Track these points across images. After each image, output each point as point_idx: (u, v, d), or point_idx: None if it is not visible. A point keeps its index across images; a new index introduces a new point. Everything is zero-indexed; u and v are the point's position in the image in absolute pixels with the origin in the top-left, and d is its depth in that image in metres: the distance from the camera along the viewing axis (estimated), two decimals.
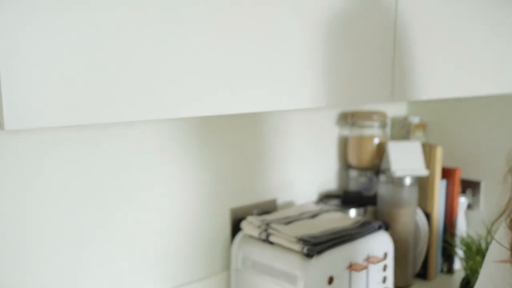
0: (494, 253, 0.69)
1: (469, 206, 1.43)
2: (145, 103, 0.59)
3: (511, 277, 0.64)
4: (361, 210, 1.28)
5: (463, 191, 1.43)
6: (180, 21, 0.61)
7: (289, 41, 0.72)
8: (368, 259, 1.05)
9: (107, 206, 0.94)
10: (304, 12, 0.73)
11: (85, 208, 0.91)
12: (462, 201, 1.40)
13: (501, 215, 0.69)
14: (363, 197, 1.32)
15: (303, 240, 1.00)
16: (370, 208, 1.31)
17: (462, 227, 1.40)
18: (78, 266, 0.91)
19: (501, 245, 0.67)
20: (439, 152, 1.31)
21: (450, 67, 0.99)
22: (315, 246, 0.98)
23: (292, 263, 1.00)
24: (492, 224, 0.69)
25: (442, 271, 1.40)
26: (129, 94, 0.58)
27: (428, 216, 1.33)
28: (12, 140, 0.80)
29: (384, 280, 1.11)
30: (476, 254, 1.21)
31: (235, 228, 1.14)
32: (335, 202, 1.31)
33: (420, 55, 0.92)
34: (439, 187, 1.33)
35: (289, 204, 1.27)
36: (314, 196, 1.33)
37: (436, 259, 1.36)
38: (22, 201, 0.83)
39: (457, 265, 1.40)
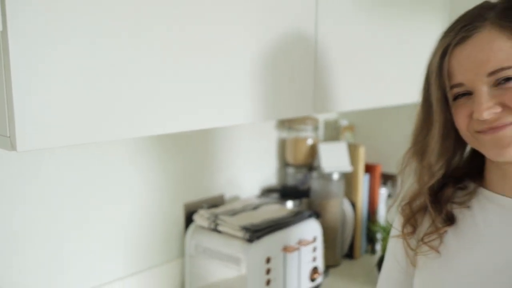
0: (392, 232, 0.91)
1: (389, 196, 1.68)
2: (130, 124, 0.77)
3: (404, 248, 0.86)
4: (297, 201, 1.50)
5: (384, 183, 1.67)
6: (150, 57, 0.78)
7: (231, 72, 0.91)
8: (300, 242, 1.27)
9: (82, 205, 1.11)
10: (244, 47, 0.92)
11: (66, 207, 1.08)
12: (383, 192, 1.64)
13: (392, 205, 0.91)
14: (299, 190, 1.53)
15: (245, 229, 1.20)
16: (304, 200, 1.53)
17: (383, 214, 1.65)
18: (57, 256, 1.07)
19: (394, 227, 0.90)
20: (361, 151, 1.55)
21: (360, 84, 1.21)
22: (255, 233, 1.18)
23: (237, 248, 1.20)
24: (387, 211, 0.92)
25: (366, 251, 1.64)
26: (119, 118, 0.75)
27: (353, 205, 1.56)
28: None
29: (314, 259, 1.33)
30: (388, 235, 1.45)
31: (188, 220, 1.33)
32: (275, 195, 1.52)
33: (336, 76, 1.14)
34: (363, 181, 1.57)
35: (235, 198, 1.46)
36: (256, 191, 1.54)
37: (361, 242, 1.60)
38: (15, 202, 0.99)
39: (380, 246, 1.64)
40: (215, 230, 1.25)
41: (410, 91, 1.26)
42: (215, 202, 1.40)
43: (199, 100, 0.87)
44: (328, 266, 1.51)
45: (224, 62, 0.89)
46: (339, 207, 1.52)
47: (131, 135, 0.78)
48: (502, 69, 0.66)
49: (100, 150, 1.13)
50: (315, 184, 1.51)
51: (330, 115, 1.76)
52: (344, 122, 1.71)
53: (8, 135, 0.66)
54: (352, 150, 1.55)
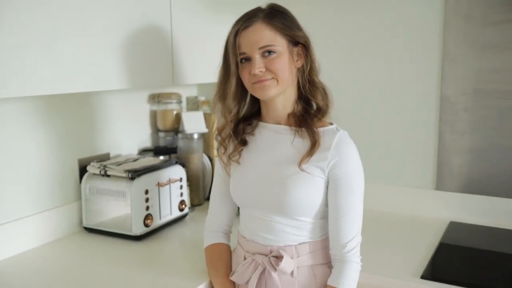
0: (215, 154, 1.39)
1: None
2: (28, 83, 1.16)
3: (221, 164, 1.32)
4: (167, 157, 1.96)
5: None
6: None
7: (105, 51, 1.33)
8: (169, 180, 1.73)
9: None
10: (113, 30, 1.35)
11: None
12: None
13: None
14: (168, 149, 1.99)
15: (128, 171, 1.63)
16: (173, 156, 1.99)
17: None
18: None
19: (215, 148, 1.37)
20: (213, 118, 2.05)
21: (204, 63, 1.70)
22: (136, 172, 1.62)
23: (122, 185, 1.62)
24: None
25: None
26: (19, 77, 1.14)
27: (210, 158, 2.07)
28: None
29: (181, 194, 1.80)
30: None
31: (82, 172, 1.72)
32: (150, 154, 1.96)
33: (187, 57, 1.62)
34: (215, 139, 2.07)
35: (118, 156, 1.88)
36: (135, 151, 1.97)
37: None
38: None
39: None
40: (105, 175, 1.66)
41: None
42: (103, 158, 1.80)
43: (79, 69, 1.25)
44: (194, 205, 1.99)
45: (99, 43, 1.31)
46: (200, 159, 2.01)
47: (29, 93, 1.13)
48: (266, 46, 1.16)
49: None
50: (180, 143, 1.98)
51: (191, 92, 2.25)
52: (202, 98, 2.20)
53: None
54: (207, 118, 2.05)
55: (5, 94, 1.09)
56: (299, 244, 1.21)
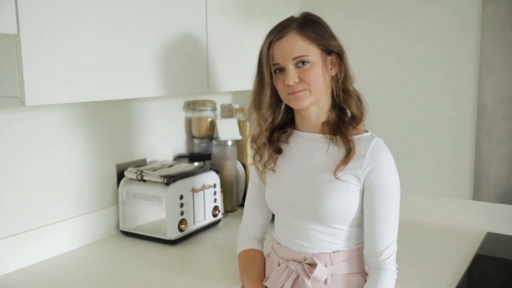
0: (250, 162, 1.41)
1: None
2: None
3: (256, 171, 1.34)
4: (202, 163, 1.98)
5: None
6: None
7: (140, 62, 1.38)
8: (203, 186, 1.76)
9: (32, 162, 1.52)
10: (151, 39, 1.40)
11: (21, 163, 1.49)
12: None
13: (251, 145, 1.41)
14: (202, 155, 2.02)
15: (164, 176, 1.67)
16: (207, 162, 2.02)
17: None
18: (15, 199, 1.48)
19: (250, 156, 1.40)
20: (247, 125, 2.07)
21: (236, 71, 1.72)
22: (171, 178, 1.66)
23: (158, 190, 1.66)
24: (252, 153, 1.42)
25: None
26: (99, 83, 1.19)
27: (244, 165, 2.09)
28: None
29: (215, 200, 1.83)
30: None
31: (119, 177, 1.77)
32: (185, 160, 2.00)
33: (222, 65, 1.65)
34: (249, 147, 2.09)
35: (154, 161, 1.92)
36: (170, 157, 2.01)
37: None
38: None
39: None
40: (141, 180, 1.70)
41: None
42: (140, 164, 1.85)
43: (118, 78, 1.31)
44: (227, 211, 2.01)
45: (137, 52, 1.36)
46: (233, 166, 2.03)
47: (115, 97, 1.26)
48: (300, 56, 1.16)
49: (43, 120, 1.52)
50: (215, 149, 2.01)
51: (226, 100, 2.28)
52: (236, 105, 2.23)
53: (18, 96, 1.08)
54: (241, 125, 2.08)
55: (48, 100, 1.14)
56: (333, 252, 1.21)
